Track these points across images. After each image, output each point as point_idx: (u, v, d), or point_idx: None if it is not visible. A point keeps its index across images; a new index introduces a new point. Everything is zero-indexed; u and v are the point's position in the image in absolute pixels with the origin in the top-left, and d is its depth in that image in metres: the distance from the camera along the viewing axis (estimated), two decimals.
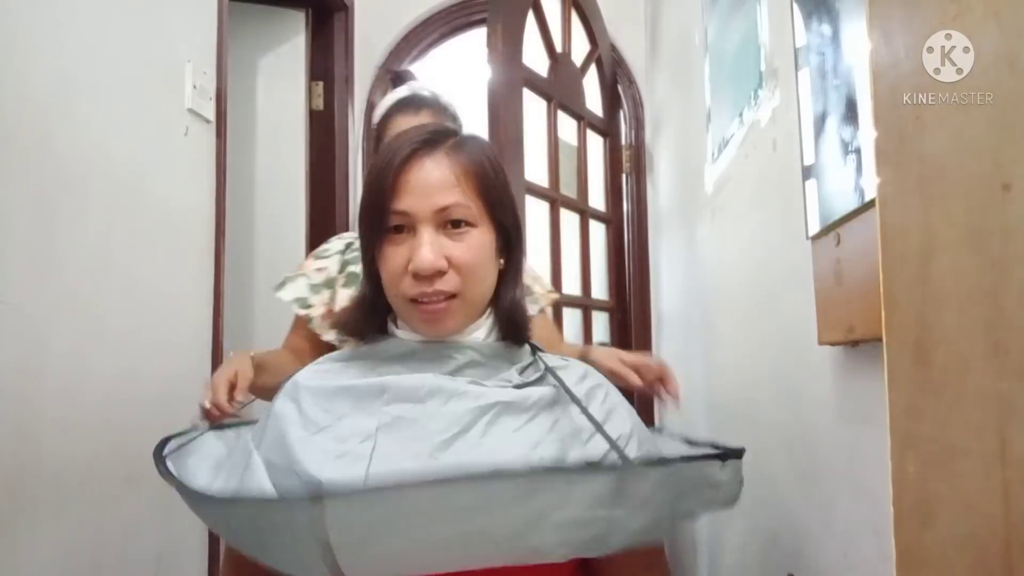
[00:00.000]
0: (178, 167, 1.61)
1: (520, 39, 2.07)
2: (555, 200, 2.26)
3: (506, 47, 2.00)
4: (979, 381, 0.47)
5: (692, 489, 0.73)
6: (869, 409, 0.84)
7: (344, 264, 1.36)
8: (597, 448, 0.78)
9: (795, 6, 1.04)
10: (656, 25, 2.58)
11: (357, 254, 1.18)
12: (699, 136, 1.84)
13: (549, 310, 1.45)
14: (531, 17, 2.15)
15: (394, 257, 0.84)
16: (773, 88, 1.21)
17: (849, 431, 0.93)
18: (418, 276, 0.82)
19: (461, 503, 0.65)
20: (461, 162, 0.86)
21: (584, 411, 0.80)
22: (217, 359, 1.69)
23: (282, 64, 2.46)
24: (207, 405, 1.01)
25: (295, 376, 0.90)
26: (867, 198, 0.78)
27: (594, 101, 2.52)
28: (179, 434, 0.91)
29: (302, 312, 1.32)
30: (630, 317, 2.62)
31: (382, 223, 0.84)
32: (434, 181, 0.84)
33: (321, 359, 0.93)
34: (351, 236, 1.41)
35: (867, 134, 0.77)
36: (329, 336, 1.28)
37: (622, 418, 0.86)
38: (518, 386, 0.84)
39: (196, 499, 0.74)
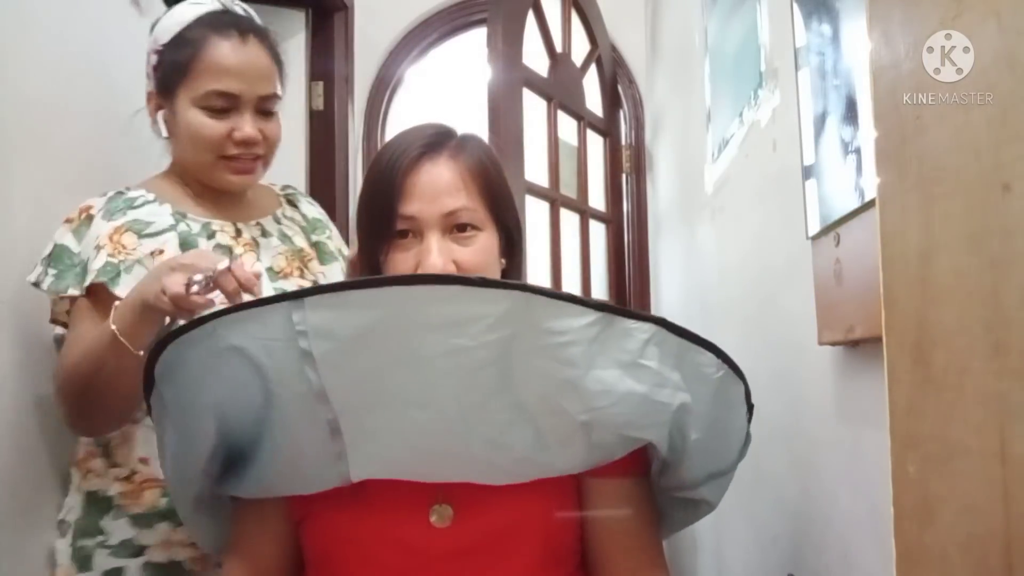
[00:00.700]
0: None
1: (520, 39, 2.07)
2: (555, 200, 2.26)
3: (506, 47, 2.00)
4: (979, 381, 0.47)
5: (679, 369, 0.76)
6: (869, 409, 0.84)
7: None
8: None
9: (795, 6, 1.04)
10: (656, 25, 2.58)
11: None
12: (699, 136, 1.84)
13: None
14: (531, 17, 2.15)
15: (402, 263, 0.83)
16: (773, 88, 1.21)
17: (849, 431, 0.93)
18: None
19: (443, 311, 0.69)
20: (466, 164, 0.86)
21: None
22: None
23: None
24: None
25: None
26: (867, 198, 0.78)
27: (594, 101, 2.52)
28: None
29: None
30: None
31: (389, 227, 0.83)
32: (441, 185, 0.84)
33: None
34: (138, 194, 1.12)
35: (867, 134, 0.77)
36: None
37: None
38: None
39: (185, 331, 0.74)
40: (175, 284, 0.86)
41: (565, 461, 0.78)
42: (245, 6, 1.16)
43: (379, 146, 2.63)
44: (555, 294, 0.73)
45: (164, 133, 1.14)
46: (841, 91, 0.87)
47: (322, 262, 1.23)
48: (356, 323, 0.69)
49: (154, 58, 1.12)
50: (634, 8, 2.72)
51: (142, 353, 0.87)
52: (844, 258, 0.86)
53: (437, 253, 0.81)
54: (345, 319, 0.69)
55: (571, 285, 2.35)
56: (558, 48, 2.29)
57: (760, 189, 1.32)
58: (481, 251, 0.85)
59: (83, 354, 0.97)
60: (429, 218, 0.83)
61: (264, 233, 1.19)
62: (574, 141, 2.43)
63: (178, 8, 1.13)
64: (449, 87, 3.34)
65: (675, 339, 0.76)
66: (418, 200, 0.83)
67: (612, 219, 2.62)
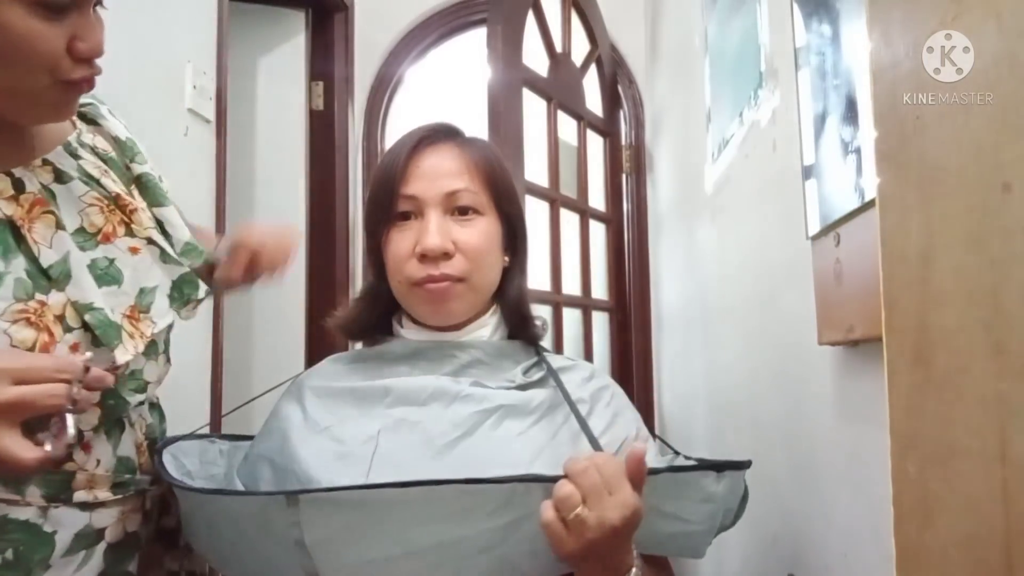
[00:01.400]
0: (178, 167, 1.61)
1: (520, 39, 2.07)
2: (555, 200, 2.26)
3: (506, 47, 2.00)
4: (979, 381, 0.47)
5: (682, 500, 0.72)
6: (869, 409, 0.84)
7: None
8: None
9: (795, 6, 1.04)
10: (656, 25, 2.58)
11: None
12: (699, 136, 1.84)
13: None
14: (531, 17, 2.15)
15: (400, 241, 0.84)
16: (773, 88, 1.21)
17: (849, 431, 0.93)
18: (424, 258, 0.82)
19: (436, 511, 0.65)
20: (470, 153, 0.87)
21: (580, 420, 0.79)
22: (216, 357, 1.69)
23: (282, 64, 2.46)
24: None
25: (300, 377, 0.90)
26: (867, 198, 0.78)
27: (594, 101, 2.52)
28: (184, 436, 0.92)
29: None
30: (630, 317, 2.62)
31: (390, 208, 0.84)
32: (444, 167, 0.85)
33: (326, 360, 0.93)
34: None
35: (867, 134, 0.77)
36: None
37: (627, 421, 0.85)
38: (521, 386, 0.84)
39: (182, 492, 0.75)
40: (22, 449, 0.64)
41: None
42: None
43: (379, 146, 2.63)
44: (556, 479, 0.66)
45: None
46: (841, 91, 0.87)
47: (152, 203, 0.88)
48: (347, 518, 0.66)
49: None
50: (634, 8, 2.72)
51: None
52: (844, 258, 0.86)
53: (436, 231, 0.81)
54: (337, 515, 0.66)
55: (571, 285, 2.35)
56: (558, 48, 2.29)
57: (760, 189, 1.32)
58: (481, 234, 0.84)
59: None
60: (430, 197, 0.83)
61: (59, 178, 0.80)
62: (574, 141, 2.43)
63: None
64: (449, 87, 3.34)
65: (674, 475, 0.72)
66: (420, 180, 0.84)
67: (612, 219, 2.62)
